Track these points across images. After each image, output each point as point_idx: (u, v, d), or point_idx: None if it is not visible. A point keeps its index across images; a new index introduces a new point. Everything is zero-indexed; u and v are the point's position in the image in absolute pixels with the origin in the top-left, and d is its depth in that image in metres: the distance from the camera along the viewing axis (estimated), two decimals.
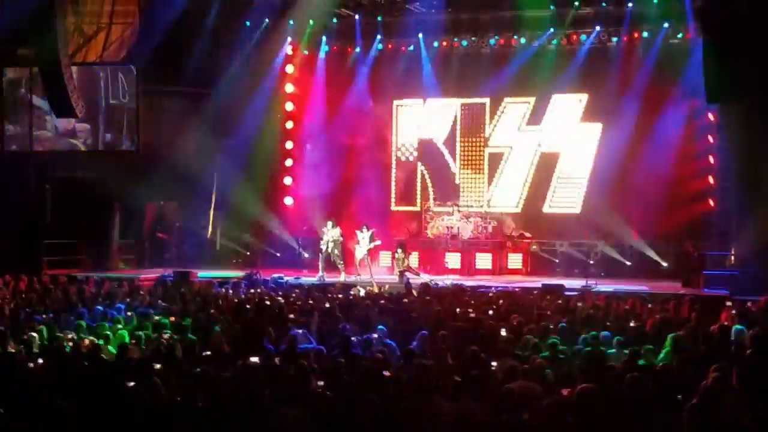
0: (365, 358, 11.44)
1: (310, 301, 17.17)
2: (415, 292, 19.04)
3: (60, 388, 9.73)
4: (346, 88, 28.82)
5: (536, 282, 22.53)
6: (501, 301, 17.49)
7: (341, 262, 24.53)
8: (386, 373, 10.42)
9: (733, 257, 22.47)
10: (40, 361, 11.56)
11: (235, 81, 27.45)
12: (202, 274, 24.15)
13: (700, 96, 22.19)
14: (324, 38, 28.71)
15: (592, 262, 24.68)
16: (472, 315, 15.37)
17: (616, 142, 25.98)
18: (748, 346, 11.27)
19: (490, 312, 16.08)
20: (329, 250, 24.38)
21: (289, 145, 29.49)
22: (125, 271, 24.98)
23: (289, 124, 29.46)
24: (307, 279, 23.78)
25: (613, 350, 12.37)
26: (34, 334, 13.11)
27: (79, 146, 27.55)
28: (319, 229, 25.24)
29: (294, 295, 18.70)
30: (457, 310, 16.06)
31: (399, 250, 24.02)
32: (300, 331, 13.51)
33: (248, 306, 16.51)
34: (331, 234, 24.39)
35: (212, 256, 27.83)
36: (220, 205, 28.12)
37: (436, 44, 27.91)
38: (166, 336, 13.40)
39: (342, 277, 23.83)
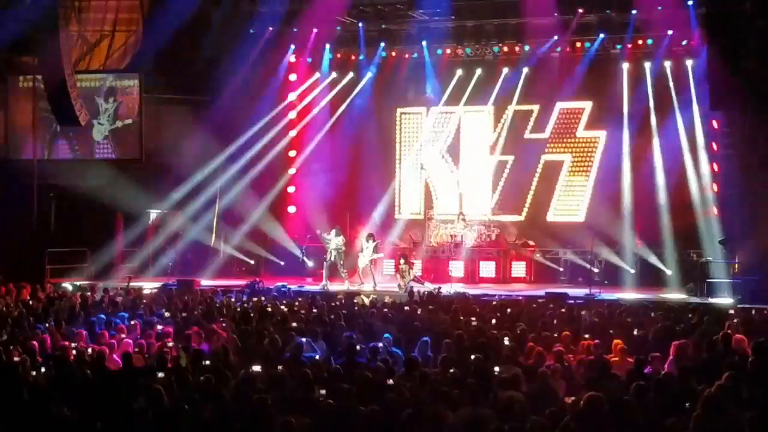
0: (368, 366, 11.42)
1: (314, 310, 17.18)
2: (418, 301, 19.03)
3: (64, 397, 9.72)
4: (350, 95, 28.84)
5: (540, 290, 22.54)
6: (505, 310, 17.46)
7: (345, 271, 24.51)
8: (389, 382, 10.42)
9: (737, 265, 22.41)
10: (44, 370, 11.56)
11: (238, 89, 27.45)
12: (206, 282, 24.17)
13: (704, 103, 22.26)
14: (328, 46, 28.71)
15: (595, 270, 24.62)
16: (476, 323, 15.36)
17: (619, 149, 26.02)
18: (751, 354, 11.24)
19: (494, 321, 16.06)
20: (333, 259, 24.38)
21: (292, 153, 29.48)
22: (129, 280, 24.94)
23: (293, 132, 29.44)
24: (311, 287, 23.79)
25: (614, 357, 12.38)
26: (38, 343, 13.09)
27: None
28: (323, 237, 25.23)
29: (297, 303, 18.69)
30: (461, 318, 16.03)
31: (402, 261, 23.98)
32: (304, 339, 13.50)
33: (251, 314, 16.50)
34: (335, 242, 24.38)
35: (215, 264, 27.82)
36: (224, 214, 28.11)
37: (439, 52, 27.91)
38: (169, 344, 13.39)
39: (345, 286, 23.81)
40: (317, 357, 12.51)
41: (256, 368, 11.11)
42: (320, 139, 29.04)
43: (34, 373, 11.33)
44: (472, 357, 11.54)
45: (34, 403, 9.31)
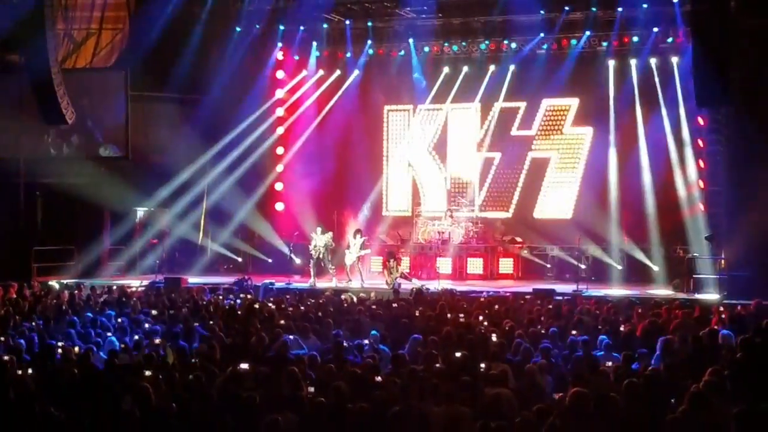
0: (356, 363, 11.43)
1: (301, 307, 17.17)
2: (405, 297, 19.03)
3: (50, 396, 9.70)
4: (337, 93, 28.83)
5: (527, 287, 22.60)
6: (492, 306, 17.48)
7: (332, 268, 24.50)
8: (377, 379, 10.42)
9: (723, 261, 22.50)
10: (30, 369, 11.52)
11: (225, 87, 27.40)
12: (193, 280, 24.12)
13: (690, 100, 22.29)
14: (314, 43, 28.68)
15: (582, 266, 24.65)
16: (463, 320, 15.37)
17: (606, 146, 26.07)
18: (737, 350, 11.29)
19: (481, 317, 16.08)
20: (320, 256, 24.35)
21: (280, 150, 29.46)
22: (116, 278, 24.91)
23: (280, 130, 29.43)
24: (299, 285, 23.77)
25: (602, 353, 12.41)
26: (24, 342, 13.05)
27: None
28: (310, 234, 25.21)
29: (285, 301, 18.67)
30: (448, 315, 16.05)
31: (390, 258, 23.95)
32: (291, 336, 13.50)
33: (239, 312, 16.49)
34: (321, 239, 24.34)
35: (203, 262, 27.78)
36: (211, 211, 28.07)
37: (426, 49, 27.93)
38: (156, 342, 13.37)
39: (333, 283, 23.79)
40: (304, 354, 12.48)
41: (244, 366, 11.10)
42: (308, 136, 29.07)
43: (20, 371, 11.28)
44: (459, 354, 11.55)
45: (20, 402, 9.28)
